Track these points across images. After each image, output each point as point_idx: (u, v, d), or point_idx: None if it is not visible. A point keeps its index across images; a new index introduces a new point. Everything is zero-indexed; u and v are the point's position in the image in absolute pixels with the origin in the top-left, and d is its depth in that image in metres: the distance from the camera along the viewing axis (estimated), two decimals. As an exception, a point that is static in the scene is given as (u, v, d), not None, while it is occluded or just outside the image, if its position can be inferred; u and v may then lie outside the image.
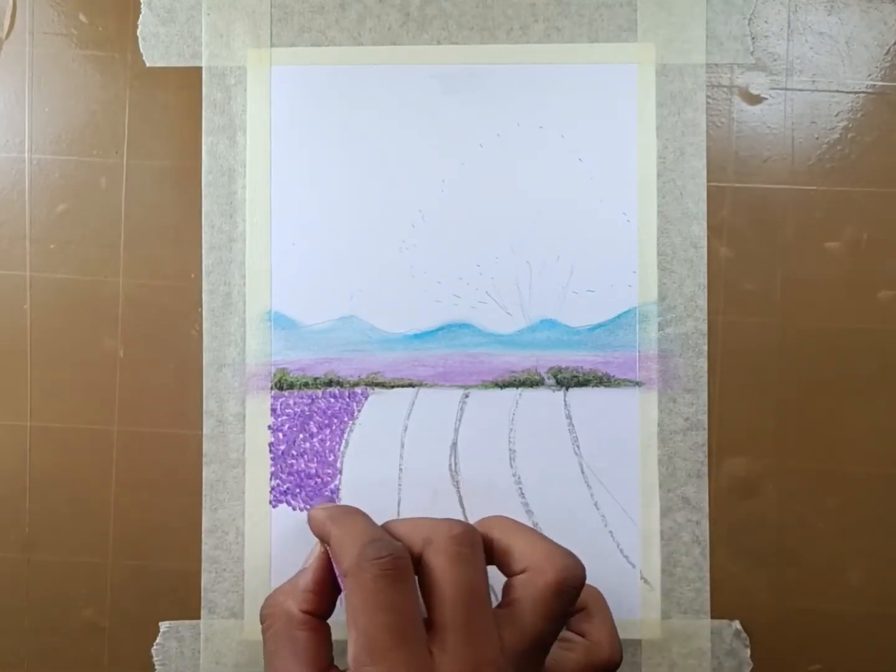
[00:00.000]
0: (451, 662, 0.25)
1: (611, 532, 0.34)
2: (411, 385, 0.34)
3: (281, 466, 0.34)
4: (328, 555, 0.29)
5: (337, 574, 0.28)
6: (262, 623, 0.28)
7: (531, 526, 0.34)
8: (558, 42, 0.34)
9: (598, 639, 0.29)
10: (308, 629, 0.28)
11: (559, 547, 0.28)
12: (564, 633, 0.30)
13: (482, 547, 0.28)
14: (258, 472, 0.34)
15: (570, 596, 0.27)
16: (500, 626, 0.26)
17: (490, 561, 0.28)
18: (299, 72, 0.34)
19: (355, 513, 0.29)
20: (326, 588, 0.29)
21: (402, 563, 0.26)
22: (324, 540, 0.29)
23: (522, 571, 0.27)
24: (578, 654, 0.29)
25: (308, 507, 0.34)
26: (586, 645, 0.29)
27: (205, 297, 0.34)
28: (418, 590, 0.26)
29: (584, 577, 0.28)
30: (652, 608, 0.34)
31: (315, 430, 0.34)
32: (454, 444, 0.34)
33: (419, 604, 0.26)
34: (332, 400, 0.34)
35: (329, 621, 0.29)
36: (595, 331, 0.34)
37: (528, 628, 0.26)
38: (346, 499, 0.34)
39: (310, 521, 0.30)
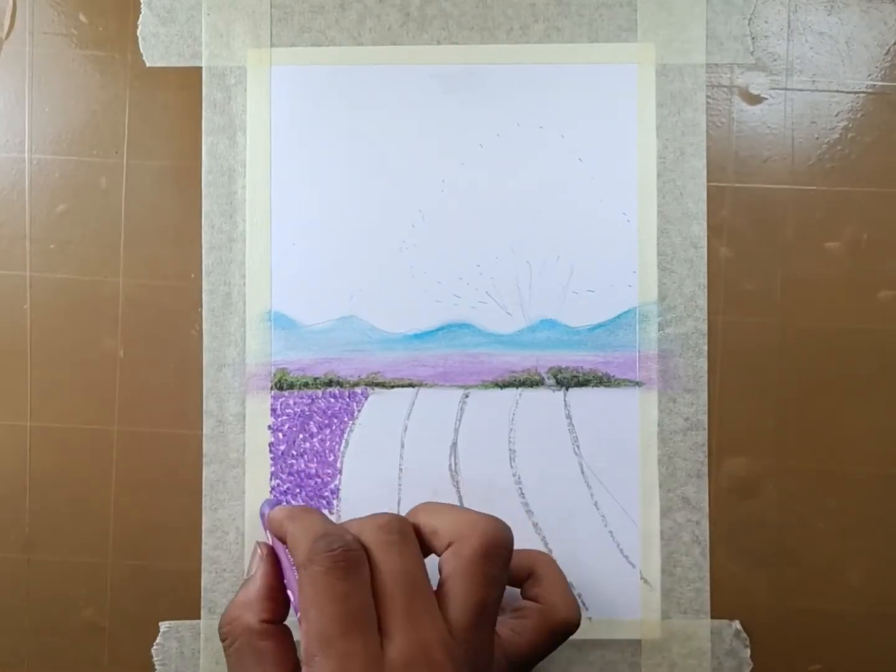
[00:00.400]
0: (398, 648, 0.25)
1: (611, 532, 0.34)
2: (411, 385, 0.34)
3: (281, 466, 0.34)
4: (273, 557, 0.30)
5: (285, 572, 0.29)
6: (222, 641, 0.28)
7: (532, 525, 0.34)
8: (558, 42, 0.34)
9: (550, 601, 0.29)
10: (271, 638, 0.28)
11: (482, 514, 0.28)
12: (518, 602, 0.30)
13: (412, 534, 0.28)
14: (258, 472, 0.34)
15: (500, 558, 0.27)
16: (441, 605, 0.26)
17: (423, 547, 0.28)
18: (299, 72, 0.34)
19: (311, 511, 0.30)
20: (279, 592, 0.29)
21: (354, 554, 0.26)
22: (281, 538, 0.29)
23: (448, 546, 0.28)
24: (534, 619, 0.29)
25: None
26: (539, 608, 0.29)
27: (205, 297, 0.34)
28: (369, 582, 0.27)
29: (509, 537, 0.28)
30: (652, 608, 0.34)
31: (315, 430, 0.34)
32: (454, 444, 0.34)
33: (371, 595, 0.26)
34: (332, 400, 0.34)
35: (287, 622, 0.29)
36: (595, 331, 0.34)
37: (466, 599, 0.26)
38: (345, 499, 0.34)
39: (269, 521, 0.30)
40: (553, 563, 0.31)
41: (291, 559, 0.28)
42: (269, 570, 0.29)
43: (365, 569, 0.26)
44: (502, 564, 0.27)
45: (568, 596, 0.30)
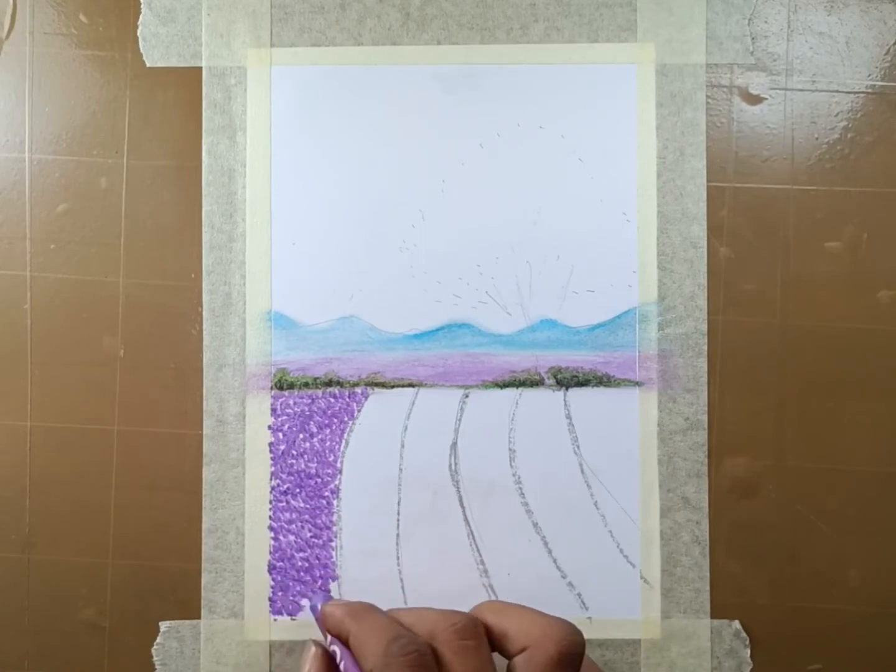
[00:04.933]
0: None
1: (611, 532, 0.34)
2: (411, 385, 0.34)
3: (281, 466, 0.34)
4: (326, 657, 0.29)
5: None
6: None
7: (532, 525, 0.34)
8: (558, 42, 0.34)
9: (527, 641, 0.28)
10: None
11: (554, 618, 0.28)
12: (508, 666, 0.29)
13: (485, 638, 0.27)
14: (258, 472, 0.34)
15: (574, 665, 0.27)
16: None
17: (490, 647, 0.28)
18: (299, 72, 0.34)
19: (373, 609, 0.29)
20: None
21: (428, 659, 0.26)
22: (342, 636, 0.29)
23: (522, 650, 0.27)
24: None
25: (310, 594, 0.33)
26: (523, 657, 0.28)
27: (205, 297, 0.34)
28: None
29: (583, 644, 0.27)
30: (652, 608, 0.34)
31: (315, 429, 0.34)
32: (454, 444, 0.34)
33: None
34: (332, 400, 0.34)
35: None
36: (595, 331, 0.34)
37: None
38: (345, 499, 0.34)
39: (325, 618, 0.29)
40: (504, 606, 0.29)
41: (351, 659, 0.28)
42: (322, 667, 0.29)
43: (436, 670, 0.26)
44: (575, 670, 0.27)
45: (546, 626, 0.28)
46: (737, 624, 0.34)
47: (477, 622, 0.28)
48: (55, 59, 0.35)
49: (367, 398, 0.34)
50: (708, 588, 0.34)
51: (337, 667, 0.29)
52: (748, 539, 0.34)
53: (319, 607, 0.30)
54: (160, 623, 0.34)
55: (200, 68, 0.34)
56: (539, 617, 0.28)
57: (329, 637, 0.29)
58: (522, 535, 0.34)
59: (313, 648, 0.29)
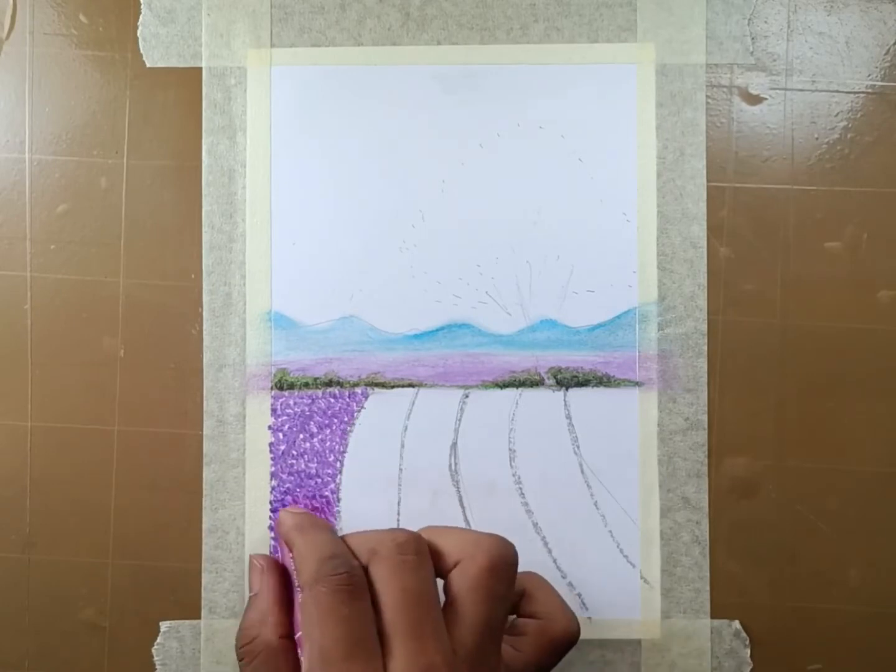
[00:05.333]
0: (402, 670, 0.25)
1: (611, 532, 0.34)
2: (411, 385, 0.34)
3: (281, 466, 0.34)
4: (276, 568, 0.30)
5: (293, 585, 0.29)
6: (240, 660, 0.29)
7: (532, 525, 0.34)
8: (558, 42, 0.34)
9: (547, 614, 0.30)
10: (289, 652, 0.28)
11: (486, 533, 0.28)
12: (515, 621, 0.30)
13: (428, 554, 0.28)
14: (258, 472, 0.34)
15: (506, 574, 0.27)
16: (448, 625, 0.26)
17: None
18: (299, 72, 0.34)
19: (320, 524, 0.30)
20: (288, 605, 0.29)
21: (358, 579, 0.27)
22: (288, 547, 0.30)
23: (456, 565, 0.28)
24: (534, 634, 0.29)
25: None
26: (538, 623, 0.29)
27: (205, 297, 0.34)
28: (371, 606, 0.27)
29: (514, 554, 0.28)
30: (652, 608, 0.34)
31: (315, 430, 0.34)
32: (454, 444, 0.34)
33: (373, 619, 0.26)
34: (333, 400, 0.34)
35: None
36: (595, 331, 0.34)
37: (472, 618, 0.27)
38: (345, 499, 0.34)
39: (278, 524, 0.31)
40: (543, 579, 0.31)
41: (291, 570, 0.29)
42: (275, 582, 0.30)
43: (367, 593, 0.27)
44: (508, 582, 0.28)
45: (565, 608, 0.30)
46: (737, 624, 0.34)
47: (420, 539, 0.28)
48: (55, 59, 0.35)
49: (367, 398, 0.34)
50: (708, 588, 0.34)
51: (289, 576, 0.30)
52: (748, 539, 0.34)
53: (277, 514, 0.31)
54: (160, 623, 0.34)
55: (200, 68, 0.34)
56: (473, 533, 0.29)
57: (280, 544, 0.31)
58: (522, 536, 0.34)
59: (257, 564, 0.30)
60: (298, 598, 0.28)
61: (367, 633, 0.26)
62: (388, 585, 0.27)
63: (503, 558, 0.28)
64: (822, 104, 0.35)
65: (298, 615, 0.28)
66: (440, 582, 0.28)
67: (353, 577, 0.27)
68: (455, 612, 0.27)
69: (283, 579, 0.30)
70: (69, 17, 0.35)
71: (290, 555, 0.29)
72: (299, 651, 0.28)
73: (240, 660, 0.29)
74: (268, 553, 0.33)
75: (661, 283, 0.34)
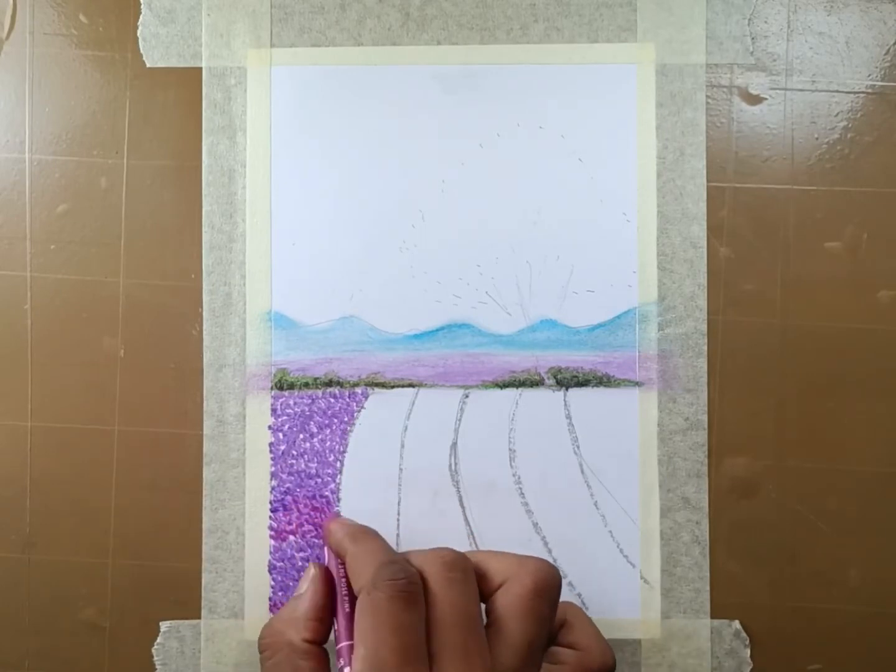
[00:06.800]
0: None
1: (611, 532, 0.34)
2: (411, 385, 0.34)
3: (281, 466, 0.34)
4: (325, 578, 0.29)
5: (339, 594, 0.29)
6: (261, 653, 0.29)
7: (532, 525, 0.34)
8: (558, 42, 0.34)
9: (586, 645, 0.29)
10: (311, 658, 0.28)
11: (530, 556, 0.29)
12: (553, 649, 0.30)
13: (473, 574, 0.28)
14: (258, 472, 0.34)
15: (550, 597, 0.28)
16: (491, 644, 0.26)
17: None
18: (299, 72, 0.34)
19: (373, 533, 0.30)
20: (327, 614, 0.29)
21: (416, 587, 0.27)
22: (340, 555, 0.30)
23: (500, 586, 0.28)
24: (571, 664, 0.29)
25: (316, 512, 0.34)
26: (577, 654, 0.29)
27: (205, 297, 0.34)
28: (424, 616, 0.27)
29: (559, 577, 0.28)
30: (652, 608, 0.34)
31: (315, 430, 0.34)
32: (454, 444, 0.34)
33: (424, 630, 0.26)
34: (333, 400, 0.34)
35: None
36: (595, 331, 0.34)
37: (515, 638, 0.27)
38: (346, 499, 0.34)
39: (328, 534, 0.30)
40: (581, 610, 0.31)
41: (345, 578, 0.29)
42: (320, 590, 0.29)
43: (423, 602, 0.27)
44: (552, 604, 0.28)
45: (603, 641, 0.30)
46: (737, 624, 0.34)
47: (465, 558, 0.28)
48: (55, 59, 0.35)
49: (367, 398, 0.34)
50: (708, 588, 0.34)
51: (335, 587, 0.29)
52: (748, 539, 0.34)
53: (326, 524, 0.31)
54: (160, 623, 0.34)
55: (200, 68, 0.34)
56: (516, 556, 0.29)
57: (328, 554, 0.30)
58: (522, 535, 0.34)
59: (313, 570, 0.30)
60: (346, 607, 0.28)
61: (420, 642, 0.26)
62: (436, 602, 0.27)
63: (548, 581, 0.28)
64: (822, 104, 0.35)
65: (342, 624, 0.28)
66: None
67: (411, 584, 0.26)
68: (498, 632, 0.27)
69: (329, 589, 0.29)
70: (69, 17, 0.35)
71: (340, 564, 0.29)
72: (340, 661, 0.28)
73: (261, 652, 0.29)
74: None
75: (661, 283, 0.34)
